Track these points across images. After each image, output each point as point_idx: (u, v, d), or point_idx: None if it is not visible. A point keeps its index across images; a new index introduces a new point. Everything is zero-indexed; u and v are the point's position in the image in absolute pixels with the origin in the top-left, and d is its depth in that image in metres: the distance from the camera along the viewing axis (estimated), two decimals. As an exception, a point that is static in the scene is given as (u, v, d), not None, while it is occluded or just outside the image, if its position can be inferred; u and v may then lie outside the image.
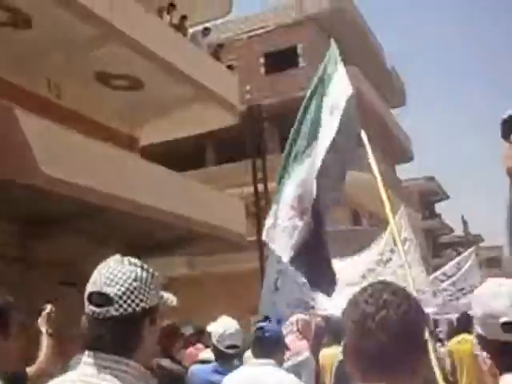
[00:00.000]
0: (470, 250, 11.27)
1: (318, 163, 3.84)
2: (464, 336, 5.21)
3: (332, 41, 4.26)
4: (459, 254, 52.78)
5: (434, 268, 39.53)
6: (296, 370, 4.06)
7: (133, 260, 1.42)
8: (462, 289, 8.52)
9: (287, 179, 4.22)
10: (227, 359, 3.64)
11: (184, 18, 12.40)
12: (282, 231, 4.40)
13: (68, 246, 9.11)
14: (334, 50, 4.13)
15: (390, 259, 6.15)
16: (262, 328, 3.22)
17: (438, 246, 42.82)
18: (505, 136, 2.04)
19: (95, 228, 9.32)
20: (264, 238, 4.91)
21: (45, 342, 3.20)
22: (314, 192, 3.85)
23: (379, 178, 3.91)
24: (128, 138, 12.36)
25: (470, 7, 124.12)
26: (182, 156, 19.73)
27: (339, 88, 3.88)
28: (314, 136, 4.05)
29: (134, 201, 8.92)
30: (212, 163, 21.11)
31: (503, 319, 1.57)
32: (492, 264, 53.68)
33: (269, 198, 13.91)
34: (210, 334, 3.81)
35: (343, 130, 3.73)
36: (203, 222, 10.68)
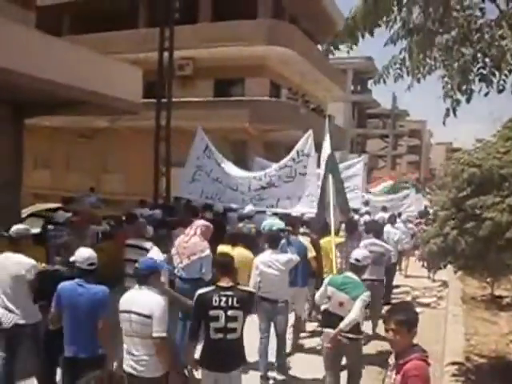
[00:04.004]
0: (360, 158, 12.95)
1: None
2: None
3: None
4: (384, 124, 56.73)
5: (356, 135, 42.24)
6: (200, 262, 5.66)
7: None
8: (347, 187, 9.62)
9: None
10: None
11: None
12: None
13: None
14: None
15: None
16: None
17: (364, 116, 46.06)
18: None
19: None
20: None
21: None
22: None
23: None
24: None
25: None
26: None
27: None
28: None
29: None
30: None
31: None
32: (414, 134, 61.84)
33: (173, 68, 13.87)
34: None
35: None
36: (94, 92, 10.14)
